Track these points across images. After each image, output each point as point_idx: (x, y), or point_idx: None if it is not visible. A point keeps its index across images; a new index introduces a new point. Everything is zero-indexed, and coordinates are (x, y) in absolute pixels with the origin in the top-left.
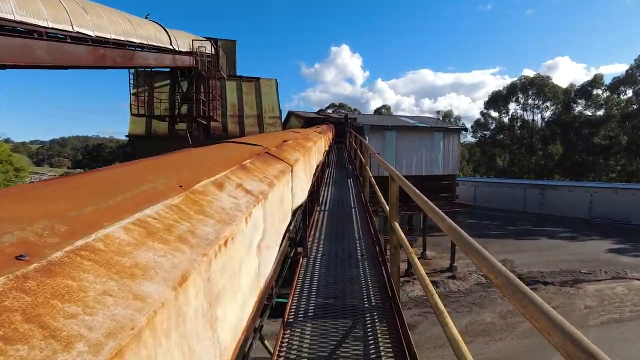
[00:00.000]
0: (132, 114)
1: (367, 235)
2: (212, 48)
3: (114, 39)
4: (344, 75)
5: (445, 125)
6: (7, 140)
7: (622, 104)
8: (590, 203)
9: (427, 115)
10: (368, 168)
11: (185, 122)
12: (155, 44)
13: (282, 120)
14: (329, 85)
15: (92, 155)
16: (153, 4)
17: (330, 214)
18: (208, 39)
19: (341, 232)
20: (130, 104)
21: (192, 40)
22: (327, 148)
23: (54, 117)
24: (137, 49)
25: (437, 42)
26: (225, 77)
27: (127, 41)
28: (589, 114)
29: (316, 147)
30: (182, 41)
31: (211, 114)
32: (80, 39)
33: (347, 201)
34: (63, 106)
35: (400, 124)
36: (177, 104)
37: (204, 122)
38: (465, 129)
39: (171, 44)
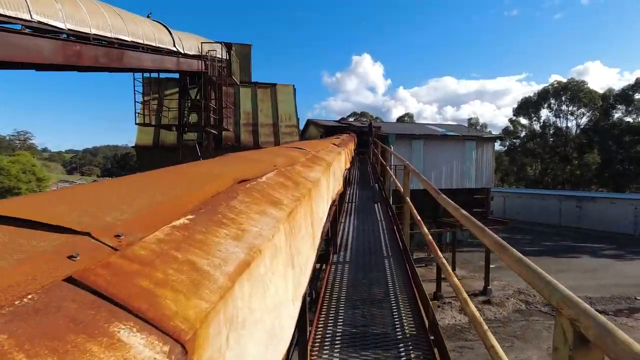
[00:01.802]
0: (136, 124)
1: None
2: (225, 52)
3: (95, 34)
4: (366, 84)
5: (478, 134)
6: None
7: None
8: (635, 217)
9: (450, 122)
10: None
11: (194, 131)
12: (154, 45)
13: (300, 129)
14: (351, 94)
15: (120, 164)
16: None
17: (353, 270)
18: (221, 43)
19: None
20: (136, 113)
21: (202, 43)
22: (348, 165)
23: (88, 127)
24: (128, 48)
25: (459, 49)
26: (239, 83)
27: (115, 38)
28: (630, 120)
29: (330, 174)
30: (190, 44)
31: (222, 123)
32: (45, 31)
33: (376, 244)
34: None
35: (428, 132)
36: (185, 112)
37: (214, 131)
38: (501, 138)
39: (175, 46)
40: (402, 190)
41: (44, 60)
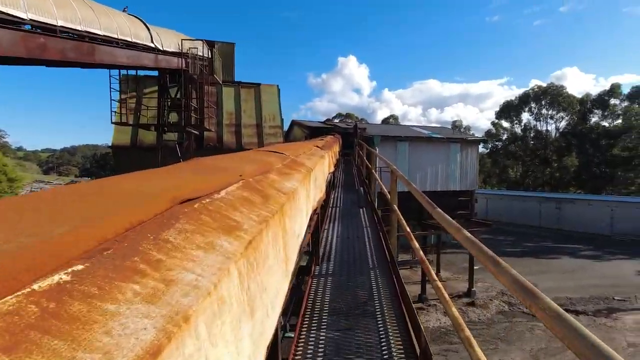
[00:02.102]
0: (112, 123)
1: None
2: (207, 50)
3: (62, 26)
4: (351, 85)
5: (463, 137)
6: (19, 149)
7: None
8: (612, 218)
9: (435, 124)
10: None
11: (174, 131)
12: (130, 40)
13: (284, 130)
14: (336, 95)
15: (99, 163)
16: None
17: (336, 286)
18: (203, 40)
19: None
20: (112, 112)
21: (182, 40)
22: (332, 169)
23: (66, 126)
24: (100, 42)
25: (444, 52)
26: (221, 82)
27: (86, 32)
28: (606, 124)
29: (311, 181)
30: (169, 40)
31: (204, 123)
32: (4, 21)
33: (362, 255)
34: (76, 114)
35: (413, 134)
36: (165, 111)
37: (195, 132)
38: (485, 141)
39: (152, 42)
40: (388, 196)
41: (1, 52)
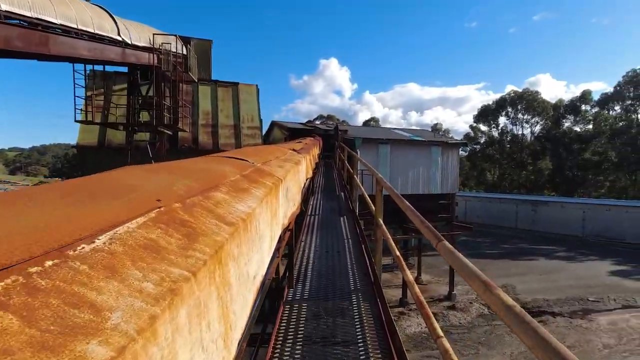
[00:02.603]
0: (76, 121)
1: None
2: (181, 46)
3: (6, 11)
4: (333, 87)
5: (444, 140)
6: None
7: (610, 120)
8: (584, 220)
9: (414, 127)
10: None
11: (146, 131)
12: (92, 31)
13: (263, 131)
14: (318, 97)
15: (71, 163)
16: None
17: (312, 316)
18: (176, 35)
19: None
20: (75, 109)
21: (153, 34)
22: (310, 174)
23: (36, 124)
24: (56, 31)
25: (423, 57)
26: (197, 80)
27: (37, 19)
28: (578, 129)
29: (280, 195)
30: (139, 34)
31: (177, 123)
32: None
33: (342, 275)
34: (46, 111)
35: (395, 137)
36: (135, 110)
37: (168, 132)
38: (466, 144)
39: (119, 35)
40: (372, 208)
41: None
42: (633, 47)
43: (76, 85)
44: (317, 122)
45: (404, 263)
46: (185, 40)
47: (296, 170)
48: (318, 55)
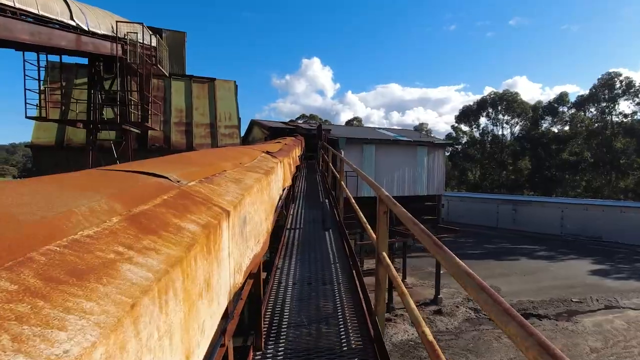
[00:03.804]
0: (27, 117)
1: None
2: (150, 36)
3: None
4: (315, 87)
5: (431, 140)
6: None
7: (587, 122)
8: (562, 219)
9: (396, 127)
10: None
11: (109, 129)
12: (35, 12)
13: (242, 131)
14: (300, 96)
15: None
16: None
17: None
18: (142, 24)
19: None
20: (26, 104)
21: (117, 22)
22: (289, 182)
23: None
24: None
25: (405, 58)
26: (168, 74)
27: None
28: (556, 130)
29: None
30: (98, 20)
31: (146, 120)
32: None
33: (331, 327)
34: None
35: (380, 137)
36: (97, 105)
37: (135, 130)
38: (452, 144)
39: (73, 19)
40: (373, 237)
41: None
42: (602, 53)
43: (27, 77)
44: (300, 121)
45: (412, 304)
46: (156, 31)
47: (264, 184)
48: (300, 54)
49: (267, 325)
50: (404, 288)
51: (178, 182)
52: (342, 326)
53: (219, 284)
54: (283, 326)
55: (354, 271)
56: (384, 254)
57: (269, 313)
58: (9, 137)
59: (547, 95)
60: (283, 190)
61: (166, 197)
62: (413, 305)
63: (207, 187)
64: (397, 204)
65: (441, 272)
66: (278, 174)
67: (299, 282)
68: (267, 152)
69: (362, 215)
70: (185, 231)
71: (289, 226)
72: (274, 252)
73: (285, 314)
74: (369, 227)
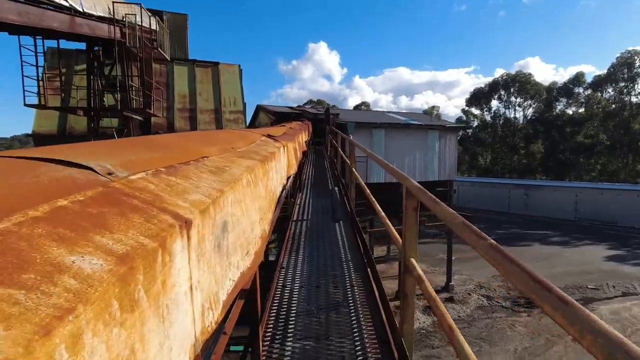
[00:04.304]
0: (25, 105)
1: None
2: (150, 18)
3: None
4: (322, 72)
5: (442, 123)
6: None
7: (603, 103)
8: (576, 204)
9: (405, 111)
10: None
11: (110, 116)
12: None
13: (248, 116)
14: (307, 82)
15: None
16: None
17: None
18: (140, 4)
19: None
20: (24, 91)
21: (113, 2)
22: (294, 169)
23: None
24: None
25: (413, 40)
26: (170, 59)
27: None
28: (570, 112)
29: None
30: (95, 1)
31: (150, 107)
32: None
33: (345, 338)
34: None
35: (390, 121)
36: (97, 92)
37: (137, 117)
38: (464, 127)
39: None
40: (398, 241)
41: None
42: (620, 31)
43: (24, 63)
44: (307, 107)
45: (451, 322)
46: (156, 14)
47: (260, 174)
48: (306, 38)
49: (266, 340)
50: (443, 308)
51: (110, 174)
52: (359, 346)
53: (167, 346)
54: (286, 336)
55: (369, 271)
56: (413, 261)
57: (271, 322)
58: (24, 127)
59: (560, 76)
60: (288, 178)
61: (67, 203)
62: (431, 290)
63: (163, 181)
64: (436, 199)
65: (452, 258)
66: (281, 161)
67: (306, 282)
68: (269, 136)
69: (380, 209)
70: (70, 279)
71: (295, 217)
72: (280, 243)
73: (290, 320)
74: (392, 228)
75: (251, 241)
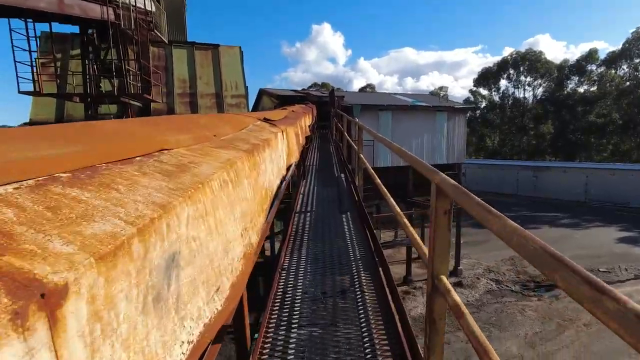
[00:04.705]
0: (19, 92)
1: None
2: (145, 0)
3: None
4: (326, 54)
5: (451, 104)
6: None
7: (617, 80)
8: (586, 185)
9: (411, 93)
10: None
11: (108, 102)
12: None
13: (251, 101)
14: (311, 64)
15: None
16: None
17: None
18: None
19: None
20: (17, 78)
21: None
22: (297, 157)
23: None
24: None
25: (418, 19)
26: (167, 41)
27: None
28: (582, 90)
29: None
30: None
31: (149, 92)
32: None
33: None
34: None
35: (396, 102)
36: (92, 77)
37: (136, 102)
38: (474, 108)
39: None
40: (425, 255)
41: None
42: (636, 4)
43: (16, 48)
44: (312, 90)
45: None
46: None
47: (246, 169)
48: (310, 19)
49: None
50: (457, 298)
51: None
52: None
53: None
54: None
55: (383, 277)
56: (443, 278)
57: (269, 341)
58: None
59: (571, 53)
60: (289, 168)
61: None
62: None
63: (49, 198)
64: (479, 200)
65: (461, 242)
66: (278, 149)
67: (309, 297)
68: (265, 120)
69: (394, 203)
70: None
71: (298, 209)
72: (282, 236)
73: (292, 342)
74: (416, 237)
75: (225, 269)
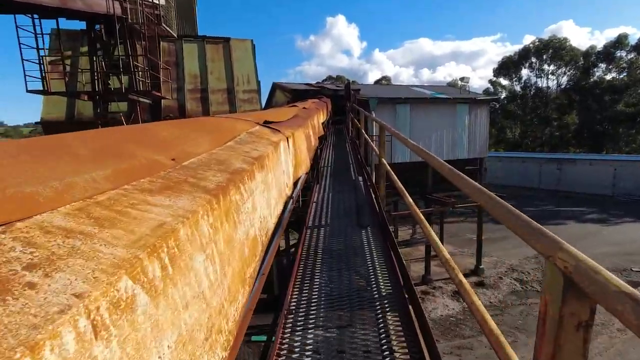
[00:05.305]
0: (28, 91)
1: None
2: None
3: None
4: (340, 47)
5: (472, 96)
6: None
7: None
8: (614, 178)
9: (427, 84)
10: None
11: (116, 100)
12: None
13: (264, 96)
14: (325, 57)
15: None
16: None
17: None
18: None
19: None
20: (25, 76)
21: None
22: (308, 165)
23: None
24: None
25: (434, 9)
26: (177, 36)
27: None
28: (609, 78)
29: None
30: None
31: (159, 89)
32: None
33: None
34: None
35: (415, 95)
36: (99, 74)
37: (145, 100)
38: (496, 99)
39: None
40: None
41: None
42: None
43: (23, 46)
44: (327, 83)
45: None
46: None
47: (218, 224)
48: (324, 12)
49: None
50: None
51: None
52: None
53: None
54: None
55: (415, 320)
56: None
57: None
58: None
59: (596, 40)
60: (296, 182)
61: None
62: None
63: None
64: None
65: (483, 238)
66: (280, 164)
67: (324, 338)
68: (265, 123)
69: (419, 213)
70: None
71: (310, 223)
72: (290, 261)
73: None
74: (436, 239)
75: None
